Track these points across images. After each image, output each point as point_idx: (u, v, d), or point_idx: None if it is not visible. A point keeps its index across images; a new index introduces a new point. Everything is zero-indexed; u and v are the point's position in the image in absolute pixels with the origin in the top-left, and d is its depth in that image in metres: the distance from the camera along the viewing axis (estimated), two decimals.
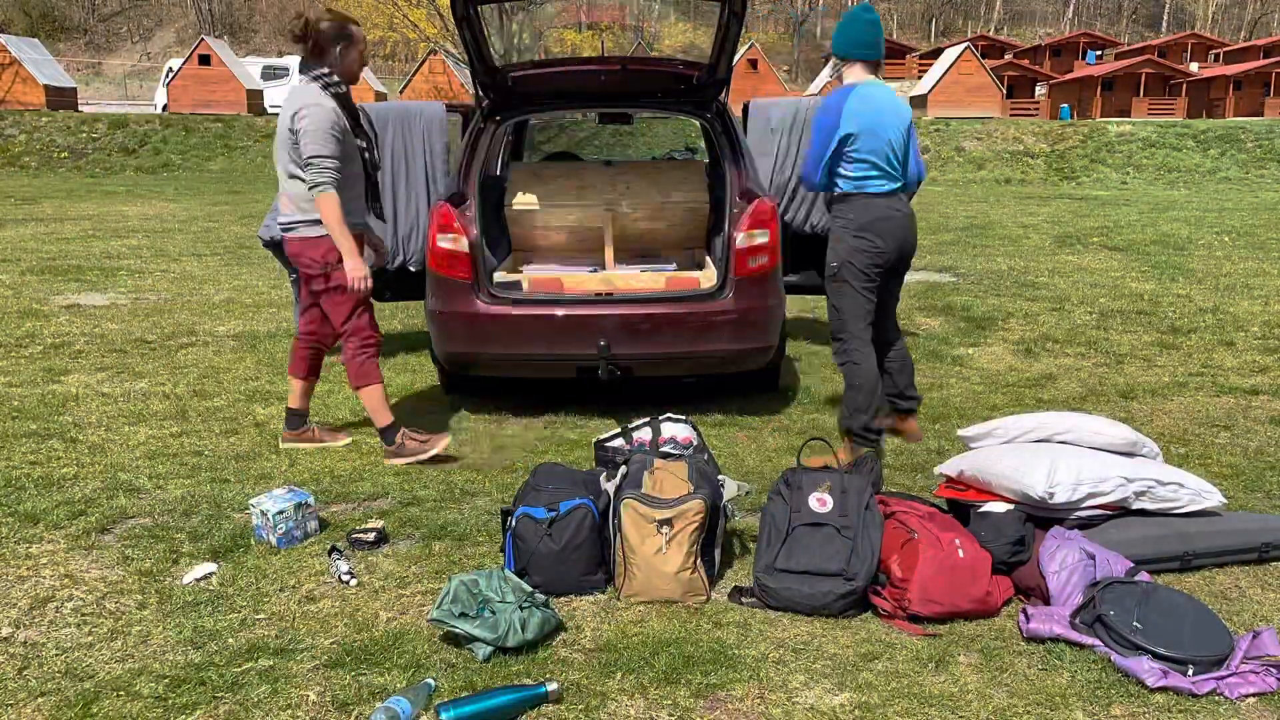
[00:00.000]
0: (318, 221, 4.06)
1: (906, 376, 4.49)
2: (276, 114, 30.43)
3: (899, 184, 4.23)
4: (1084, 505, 3.22)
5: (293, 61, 36.10)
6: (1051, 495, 3.16)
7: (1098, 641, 2.72)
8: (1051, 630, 2.78)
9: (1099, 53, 53.12)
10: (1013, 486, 3.24)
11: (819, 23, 71.42)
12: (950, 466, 3.55)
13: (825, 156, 4.14)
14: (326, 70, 4.10)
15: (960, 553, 2.96)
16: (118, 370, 5.79)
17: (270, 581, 3.14)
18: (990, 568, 2.98)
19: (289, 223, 4.15)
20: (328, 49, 4.09)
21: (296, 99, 4.04)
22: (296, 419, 4.49)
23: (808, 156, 4.27)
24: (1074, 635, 2.76)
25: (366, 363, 4.25)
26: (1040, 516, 3.24)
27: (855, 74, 4.22)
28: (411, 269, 5.74)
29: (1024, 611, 2.87)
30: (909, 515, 3.14)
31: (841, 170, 4.17)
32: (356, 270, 4.08)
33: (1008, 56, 49.12)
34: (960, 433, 3.75)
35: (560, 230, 5.80)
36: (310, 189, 4.00)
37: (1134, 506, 3.26)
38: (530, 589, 2.81)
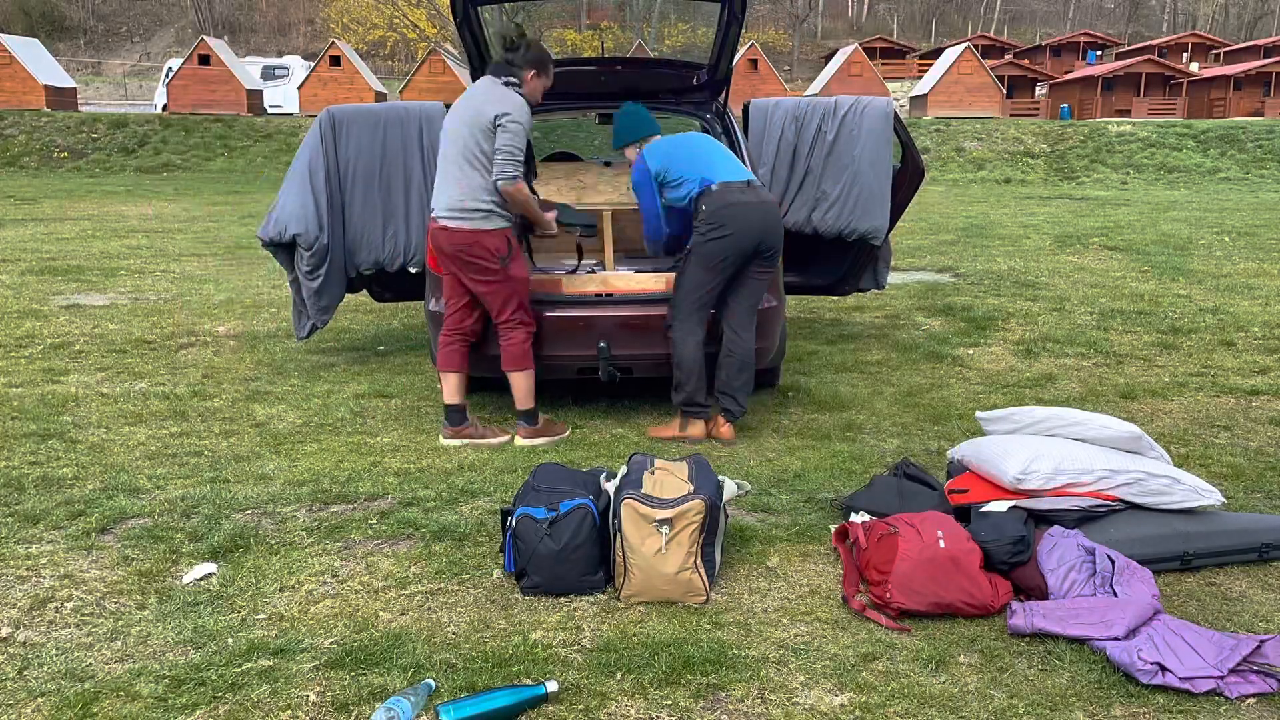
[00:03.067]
0: (496, 214, 4.32)
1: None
2: (276, 114, 30.22)
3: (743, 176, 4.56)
4: (1062, 492, 3.28)
5: (292, 61, 36.18)
6: (1021, 481, 3.27)
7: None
8: (1032, 624, 2.79)
9: (1099, 53, 53.12)
10: (990, 470, 3.39)
11: (819, 23, 71.47)
12: (957, 450, 3.72)
13: (657, 209, 4.68)
14: (516, 82, 4.37)
15: (942, 543, 2.97)
16: (118, 370, 5.79)
17: (270, 581, 3.14)
18: (981, 562, 2.99)
19: (465, 211, 4.31)
20: (525, 67, 4.39)
21: (504, 97, 4.29)
22: (456, 414, 4.55)
23: (645, 223, 4.76)
24: (1055, 628, 2.76)
25: (527, 346, 4.49)
26: (1039, 514, 3.26)
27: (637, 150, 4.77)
28: (411, 270, 5.73)
29: (1009, 607, 2.89)
30: (897, 518, 3.16)
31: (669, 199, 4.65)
32: (550, 225, 4.64)
33: (1008, 56, 49.09)
34: (978, 415, 3.89)
35: (560, 231, 5.79)
36: (500, 180, 4.24)
37: (1123, 498, 3.29)
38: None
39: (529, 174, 4.77)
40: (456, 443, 4.51)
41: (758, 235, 4.41)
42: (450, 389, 4.53)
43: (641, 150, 4.75)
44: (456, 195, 4.32)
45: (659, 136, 4.80)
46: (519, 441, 4.51)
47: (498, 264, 4.34)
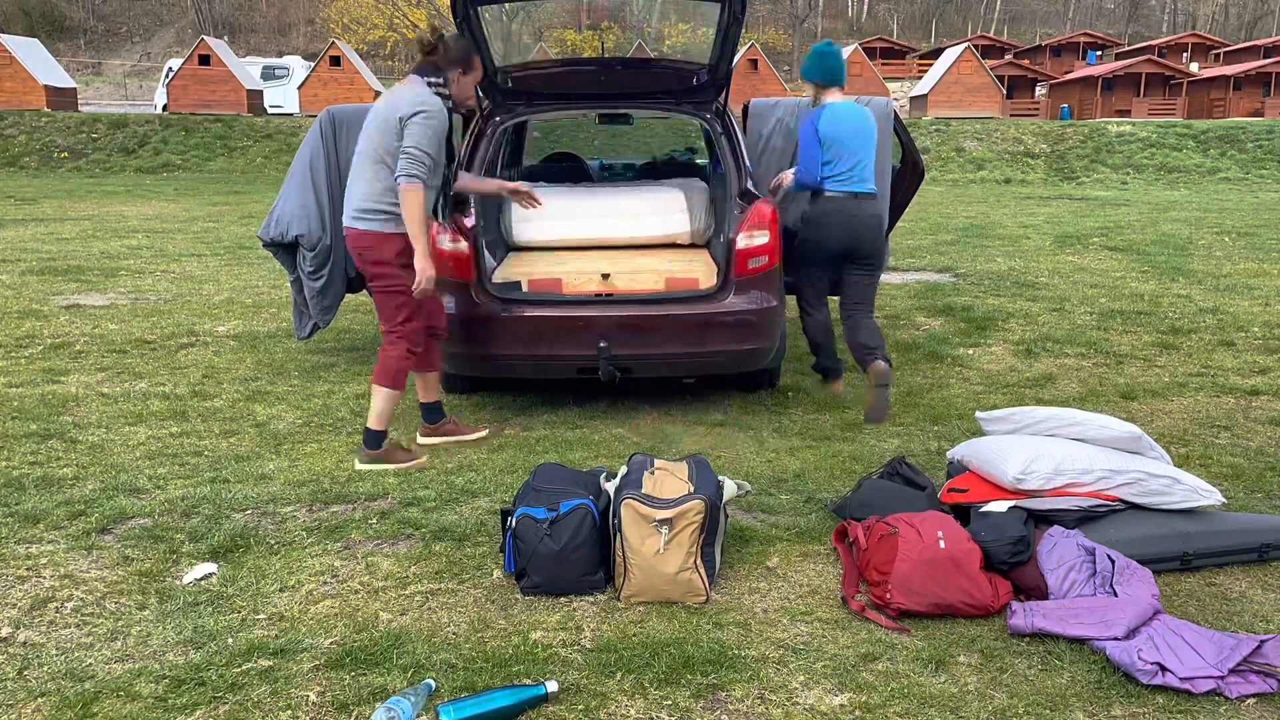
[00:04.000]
0: (397, 216, 4.04)
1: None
2: (276, 114, 30.12)
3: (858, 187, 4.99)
4: (1062, 492, 3.28)
5: (292, 61, 36.16)
6: (1021, 481, 3.28)
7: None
8: (1032, 624, 2.79)
9: (1099, 53, 53.11)
10: (990, 470, 3.39)
11: (819, 23, 71.44)
12: (957, 450, 3.72)
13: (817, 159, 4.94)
14: (442, 82, 4.14)
15: (942, 543, 2.97)
16: (118, 370, 5.79)
17: (270, 581, 3.14)
18: (981, 562, 2.99)
19: (366, 213, 4.09)
20: (448, 66, 4.16)
21: (418, 96, 4.02)
22: (433, 413, 4.57)
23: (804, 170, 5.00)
24: (1055, 628, 2.76)
25: (404, 365, 4.19)
26: (1039, 514, 3.27)
27: (831, 95, 5.06)
28: None
29: (1009, 607, 2.89)
30: (897, 518, 3.16)
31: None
32: (427, 270, 4.04)
33: (1008, 56, 49.09)
34: (978, 415, 3.89)
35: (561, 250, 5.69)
36: (397, 177, 3.97)
37: (1123, 498, 3.29)
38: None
39: (447, 180, 4.29)
40: (435, 441, 4.53)
41: (846, 240, 4.96)
42: (425, 387, 4.54)
43: (820, 107, 5.00)
44: (360, 195, 4.10)
45: (838, 95, 5.06)
46: (357, 464, 4.20)
47: (397, 268, 4.08)
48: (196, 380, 5.58)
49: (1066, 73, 44.29)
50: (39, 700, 2.50)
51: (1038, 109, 37.98)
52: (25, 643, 2.78)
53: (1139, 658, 2.58)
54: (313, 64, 32.58)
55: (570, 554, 3.03)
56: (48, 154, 23.55)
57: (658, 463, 3.30)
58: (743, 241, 4.71)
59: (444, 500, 3.81)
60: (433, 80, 4.11)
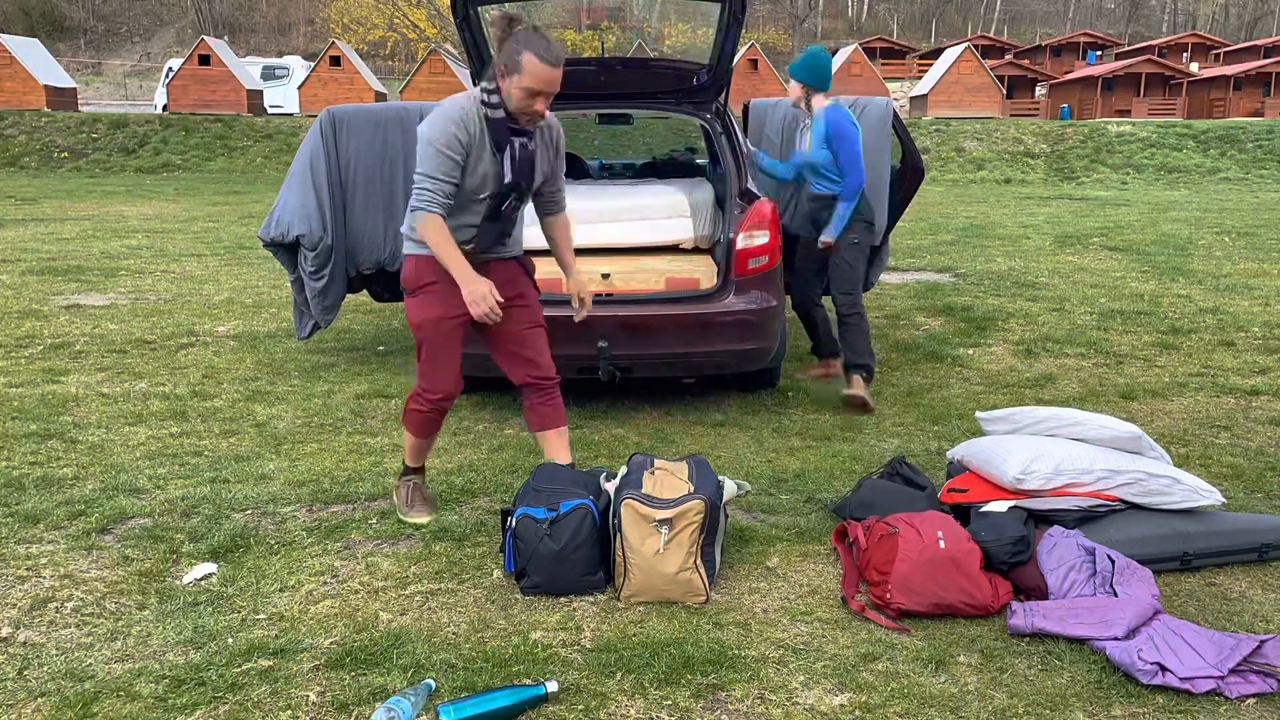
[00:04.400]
0: (409, 237, 3.45)
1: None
2: (276, 114, 30.07)
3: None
4: (1062, 492, 3.28)
5: (292, 61, 36.16)
6: (1021, 481, 3.28)
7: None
8: (1032, 624, 2.79)
9: (1099, 53, 53.13)
10: (990, 470, 3.40)
11: (819, 23, 71.45)
12: (957, 450, 3.72)
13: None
14: (492, 88, 3.29)
15: (942, 543, 2.97)
16: (118, 370, 5.79)
17: (270, 581, 3.14)
18: (981, 562, 2.99)
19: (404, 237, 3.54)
20: (497, 64, 3.25)
21: (437, 106, 3.33)
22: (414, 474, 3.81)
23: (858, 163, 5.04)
24: (1055, 628, 2.76)
25: (411, 409, 3.63)
26: (1039, 514, 3.27)
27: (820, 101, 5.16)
28: None
29: (1009, 607, 2.89)
30: (897, 518, 3.16)
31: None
32: (475, 290, 3.20)
33: (1008, 56, 49.10)
34: (978, 415, 3.89)
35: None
36: (411, 209, 3.34)
37: (1123, 498, 3.30)
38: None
39: (506, 203, 3.45)
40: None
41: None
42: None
43: (841, 104, 5.18)
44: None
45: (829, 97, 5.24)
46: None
47: (408, 294, 3.52)
48: (196, 380, 5.58)
49: (1066, 73, 44.31)
50: (39, 700, 2.50)
51: (1038, 109, 37.99)
52: (25, 643, 2.78)
53: (1139, 658, 2.58)
54: (313, 64, 32.59)
55: (570, 554, 3.03)
56: (48, 154, 23.56)
57: (658, 463, 3.30)
58: (743, 241, 4.71)
59: (444, 500, 3.81)
60: (484, 86, 3.30)
